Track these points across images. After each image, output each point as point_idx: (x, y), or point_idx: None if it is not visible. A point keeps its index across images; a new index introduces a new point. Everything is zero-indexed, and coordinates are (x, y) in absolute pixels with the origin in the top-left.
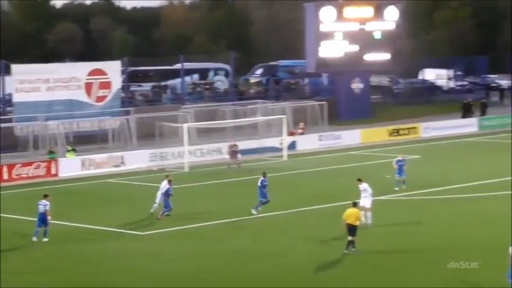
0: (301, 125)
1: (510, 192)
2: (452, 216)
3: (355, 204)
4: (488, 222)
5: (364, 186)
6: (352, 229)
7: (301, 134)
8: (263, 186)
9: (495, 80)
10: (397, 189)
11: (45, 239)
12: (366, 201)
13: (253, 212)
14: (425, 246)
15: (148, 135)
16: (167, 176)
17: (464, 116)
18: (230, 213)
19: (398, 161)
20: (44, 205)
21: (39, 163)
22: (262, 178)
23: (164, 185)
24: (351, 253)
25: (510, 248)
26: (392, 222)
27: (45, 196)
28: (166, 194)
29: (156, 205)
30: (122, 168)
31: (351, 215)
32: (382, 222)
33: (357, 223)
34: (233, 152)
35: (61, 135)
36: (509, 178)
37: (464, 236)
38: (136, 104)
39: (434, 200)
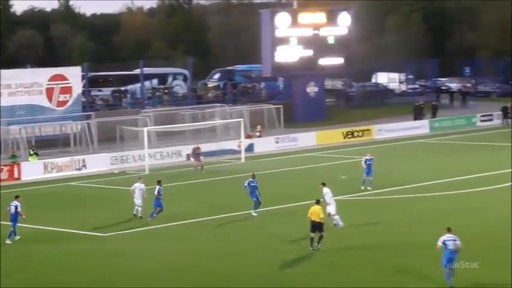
0: (259, 127)
1: (461, 191)
2: (404, 215)
3: (318, 202)
4: (438, 221)
5: (326, 190)
6: (315, 226)
7: (259, 136)
8: (254, 187)
9: (445, 83)
10: (362, 188)
11: (17, 237)
12: (331, 208)
13: (253, 213)
14: (378, 244)
15: (109, 139)
16: (140, 178)
17: (416, 118)
18: (192, 214)
19: (367, 160)
20: (14, 206)
21: (1, 167)
22: (250, 179)
23: (141, 187)
24: (311, 251)
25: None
26: (349, 223)
27: (16, 197)
28: (159, 194)
29: (140, 208)
30: (84, 172)
31: (313, 212)
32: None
33: (320, 220)
34: (197, 155)
35: (23, 139)
36: (460, 178)
37: (414, 234)
38: (97, 108)
39: (388, 200)
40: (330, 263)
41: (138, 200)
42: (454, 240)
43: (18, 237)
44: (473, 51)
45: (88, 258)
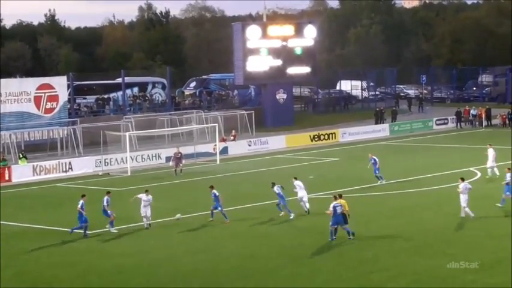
0: (233, 132)
1: (416, 189)
2: (365, 210)
3: (340, 196)
4: (396, 216)
5: (298, 182)
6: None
7: (233, 140)
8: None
9: (404, 90)
10: (378, 183)
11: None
12: (302, 193)
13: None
14: (343, 236)
15: (93, 143)
16: (146, 190)
17: (377, 122)
18: (169, 213)
19: (372, 159)
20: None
21: None
22: (277, 185)
23: (147, 198)
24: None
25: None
26: (314, 219)
27: (108, 193)
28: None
29: (146, 219)
30: (70, 173)
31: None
32: (306, 218)
33: (346, 211)
34: (178, 159)
35: (13, 144)
36: (416, 177)
37: (374, 229)
38: (82, 115)
39: (351, 197)
40: (291, 257)
41: (144, 212)
42: (340, 206)
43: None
44: (428, 60)
45: (73, 254)
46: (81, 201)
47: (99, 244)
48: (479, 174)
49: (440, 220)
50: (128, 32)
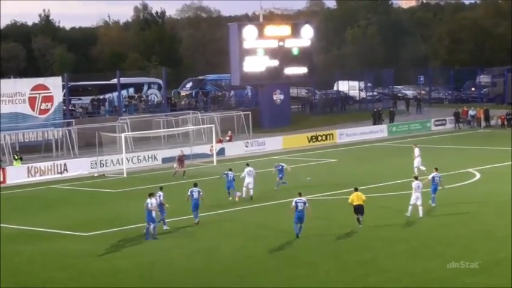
0: (230, 133)
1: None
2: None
3: (356, 189)
4: (395, 217)
5: (249, 169)
6: (358, 209)
7: (229, 141)
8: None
9: (401, 91)
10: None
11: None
12: (250, 179)
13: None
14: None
15: (88, 145)
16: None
17: (374, 123)
18: (167, 215)
19: (434, 177)
20: (159, 196)
21: None
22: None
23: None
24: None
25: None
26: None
27: (161, 188)
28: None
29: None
30: (65, 175)
31: (355, 197)
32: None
33: (362, 202)
34: (181, 161)
35: (8, 145)
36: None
37: (374, 230)
38: (77, 116)
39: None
40: (288, 258)
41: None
42: (304, 203)
43: (166, 227)
44: (426, 61)
45: (68, 256)
46: (153, 199)
47: (97, 246)
48: (478, 175)
49: (438, 221)
50: (123, 32)
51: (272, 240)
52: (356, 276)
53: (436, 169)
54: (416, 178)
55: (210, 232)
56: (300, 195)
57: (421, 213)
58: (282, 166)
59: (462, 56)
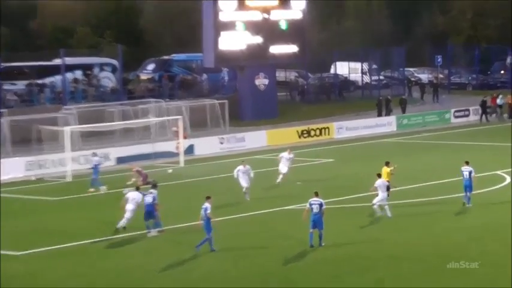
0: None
1: (429, 198)
2: (364, 223)
3: (379, 176)
4: (404, 230)
5: (247, 167)
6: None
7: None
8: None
9: (414, 74)
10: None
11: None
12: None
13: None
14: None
15: (24, 141)
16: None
17: (380, 114)
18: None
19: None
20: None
21: None
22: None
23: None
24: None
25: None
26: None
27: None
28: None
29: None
30: None
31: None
32: (294, 231)
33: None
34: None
35: None
36: (428, 183)
37: (378, 247)
38: (10, 105)
39: (348, 208)
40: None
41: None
42: (321, 204)
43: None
44: (445, 37)
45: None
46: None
47: (32, 267)
48: (508, 178)
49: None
50: (70, 2)
51: (267, 256)
52: None
53: (467, 162)
54: (379, 176)
55: (176, 247)
56: (316, 195)
57: (378, 212)
58: None
59: (489, 32)
